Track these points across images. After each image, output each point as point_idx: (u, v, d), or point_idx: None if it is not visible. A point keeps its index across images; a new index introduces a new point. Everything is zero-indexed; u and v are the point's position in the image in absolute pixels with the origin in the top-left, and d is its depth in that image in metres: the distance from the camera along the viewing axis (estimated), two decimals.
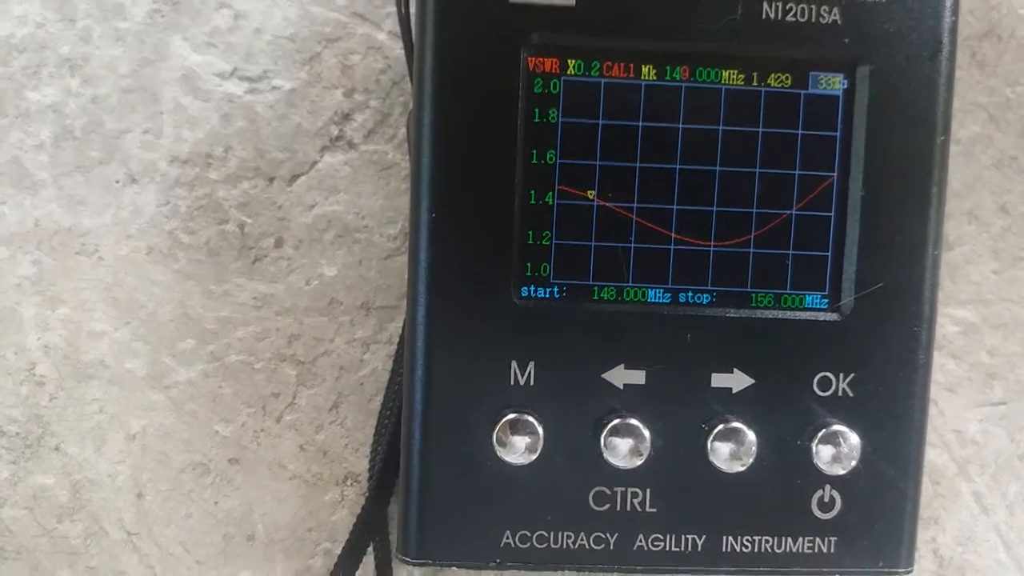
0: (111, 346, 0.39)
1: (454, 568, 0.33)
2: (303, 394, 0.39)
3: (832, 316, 0.32)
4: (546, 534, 0.32)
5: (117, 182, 0.39)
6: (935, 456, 0.40)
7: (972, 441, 0.41)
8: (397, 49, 0.39)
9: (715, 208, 0.32)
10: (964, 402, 0.41)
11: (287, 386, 0.39)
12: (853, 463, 0.32)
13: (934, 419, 0.40)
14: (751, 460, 0.31)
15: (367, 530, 0.37)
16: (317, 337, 0.39)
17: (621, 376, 0.32)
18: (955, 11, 0.32)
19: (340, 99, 0.39)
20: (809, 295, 0.32)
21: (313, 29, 0.39)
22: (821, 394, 0.32)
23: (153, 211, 0.39)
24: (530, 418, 0.31)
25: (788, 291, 0.32)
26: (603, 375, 0.32)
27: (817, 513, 0.32)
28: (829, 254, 0.32)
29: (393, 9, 0.38)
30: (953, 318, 0.40)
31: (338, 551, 0.38)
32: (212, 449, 0.39)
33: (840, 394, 0.32)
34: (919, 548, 0.40)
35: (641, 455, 0.31)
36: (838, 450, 0.31)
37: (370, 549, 0.38)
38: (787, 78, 0.32)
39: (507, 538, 0.32)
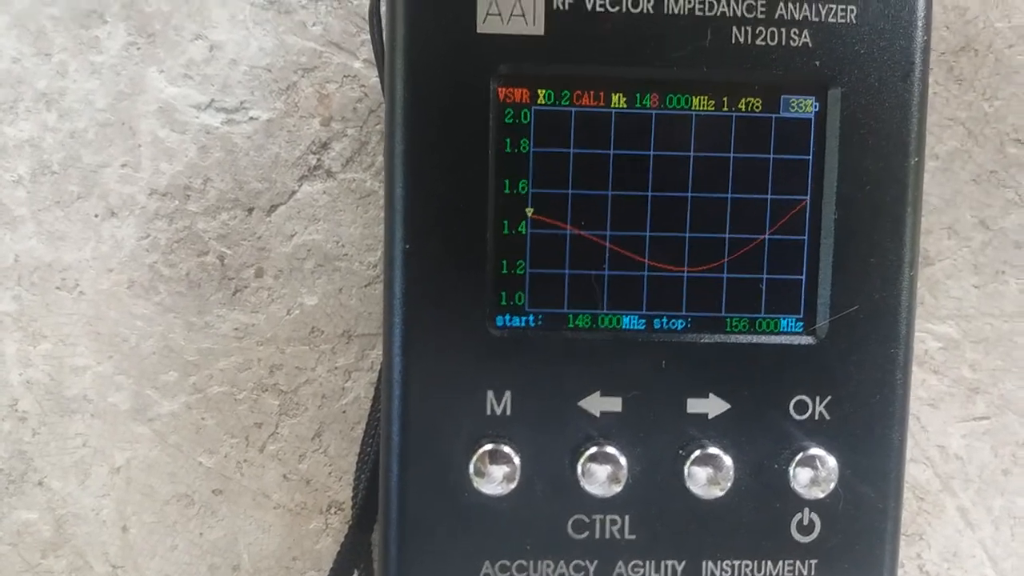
0: (94, 380, 0.39)
1: None
2: (286, 423, 0.39)
3: (807, 339, 0.32)
4: (525, 563, 0.32)
5: (96, 216, 0.39)
6: (918, 472, 0.40)
7: (956, 456, 0.41)
8: (373, 77, 0.39)
9: (688, 234, 0.32)
10: (947, 417, 0.41)
11: (269, 416, 0.39)
12: (832, 486, 0.31)
13: (917, 435, 0.40)
14: (729, 485, 0.31)
15: (351, 558, 0.37)
16: (299, 366, 0.39)
17: (598, 404, 0.32)
18: (927, 31, 0.32)
19: (317, 128, 0.39)
20: (784, 319, 0.32)
21: (289, 59, 0.39)
22: (798, 418, 0.32)
23: (133, 244, 0.39)
24: (507, 448, 0.31)
25: (763, 315, 0.32)
26: (580, 403, 0.32)
27: (797, 536, 0.32)
28: (803, 277, 0.32)
29: (368, 37, 0.38)
30: (934, 334, 0.40)
31: None
32: (196, 480, 0.39)
33: (817, 417, 0.32)
34: (904, 564, 0.40)
35: (619, 482, 0.31)
36: (816, 473, 0.31)
37: None
38: (758, 102, 0.32)
39: (487, 568, 0.32)
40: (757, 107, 0.32)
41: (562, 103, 0.31)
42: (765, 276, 0.32)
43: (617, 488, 0.31)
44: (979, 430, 0.41)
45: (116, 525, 0.39)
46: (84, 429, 0.39)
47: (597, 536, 0.32)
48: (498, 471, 0.31)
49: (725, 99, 0.32)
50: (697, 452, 0.31)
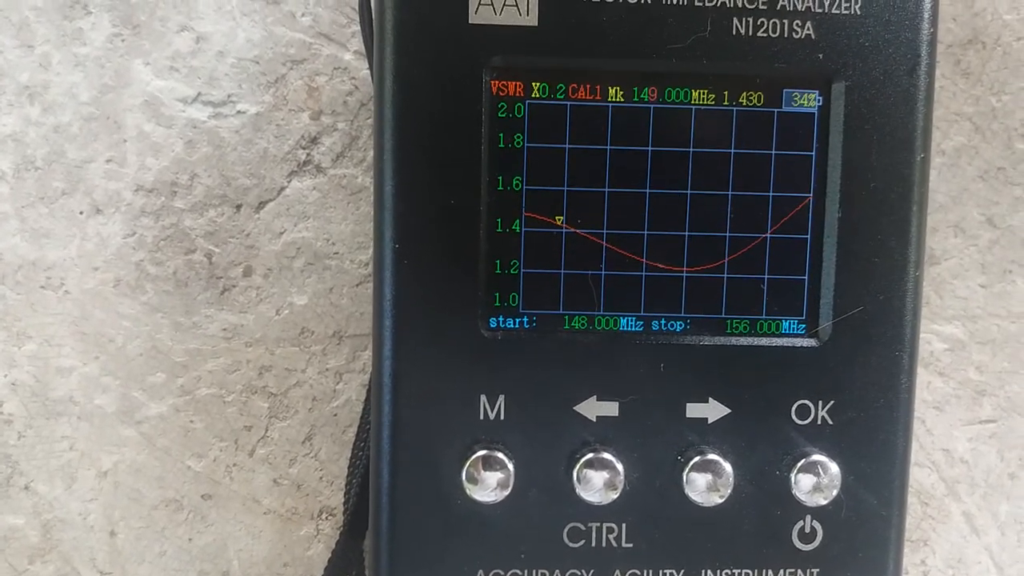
0: (80, 382, 0.38)
1: None
2: (276, 427, 0.39)
3: (810, 342, 0.31)
4: (520, 572, 0.31)
5: (81, 213, 0.38)
6: (923, 476, 0.40)
7: (961, 460, 0.40)
8: (364, 69, 0.38)
9: (687, 233, 0.31)
10: (952, 420, 0.40)
11: (259, 419, 0.38)
12: (834, 492, 0.31)
13: (922, 438, 0.39)
14: (729, 492, 0.30)
15: (343, 565, 0.36)
16: (288, 368, 0.38)
17: (593, 408, 0.31)
18: (933, 23, 0.31)
19: (307, 122, 0.38)
20: (786, 320, 0.31)
21: (277, 51, 0.38)
22: (800, 422, 0.31)
23: (119, 242, 0.38)
24: (500, 454, 0.30)
25: (764, 317, 0.31)
26: (575, 407, 0.31)
27: (798, 544, 0.31)
28: (806, 278, 0.31)
29: (359, 28, 0.37)
30: (940, 335, 0.39)
31: None
32: (185, 485, 0.38)
33: (819, 422, 0.31)
34: (908, 571, 0.39)
35: (616, 489, 0.30)
36: (818, 480, 0.30)
37: None
38: (759, 96, 0.31)
39: None
40: (759, 101, 0.31)
41: (557, 96, 0.30)
42: (767, 276, 0.31)
43: (614, 495, 0.30)
44: (985, 433, 0.40)
45: (104, 530, 0.38)
46: (70, 432, 0.38)
47: (593, 544, 0.31)
48: (491, 478, 0.30)
49: (726, 93, 0.31)
50: (696, 458, 0.30)
